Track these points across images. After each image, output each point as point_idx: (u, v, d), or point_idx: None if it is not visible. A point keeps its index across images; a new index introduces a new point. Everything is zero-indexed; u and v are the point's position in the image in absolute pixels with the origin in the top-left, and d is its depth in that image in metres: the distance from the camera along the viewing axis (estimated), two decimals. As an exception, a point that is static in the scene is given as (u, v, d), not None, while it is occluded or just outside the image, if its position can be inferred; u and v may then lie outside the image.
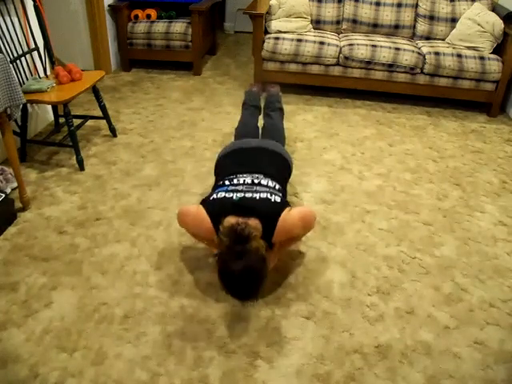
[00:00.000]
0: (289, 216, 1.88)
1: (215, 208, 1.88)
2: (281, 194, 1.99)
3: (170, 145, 3.11)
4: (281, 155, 2.25)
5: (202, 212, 1.88)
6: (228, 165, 2.18)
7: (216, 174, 2.25)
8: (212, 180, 2.58)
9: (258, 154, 2.22)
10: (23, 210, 2.43)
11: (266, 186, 1.97)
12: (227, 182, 2.01)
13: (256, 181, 1.99)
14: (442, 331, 1.82)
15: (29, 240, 2.23)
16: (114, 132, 3.18)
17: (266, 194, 1.91)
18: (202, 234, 1.96)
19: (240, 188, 1.93)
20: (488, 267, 2.16)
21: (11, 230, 2.30)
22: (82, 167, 2.79)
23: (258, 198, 1.88)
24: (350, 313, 1.89)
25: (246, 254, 1.65)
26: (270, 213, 1.85)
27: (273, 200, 1.89)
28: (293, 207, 1.94)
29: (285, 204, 1.93)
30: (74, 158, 2.84)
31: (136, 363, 1.66)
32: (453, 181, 2.82)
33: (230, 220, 1.78)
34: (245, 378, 1.62)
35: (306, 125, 3.44)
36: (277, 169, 2.16)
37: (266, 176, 2.04)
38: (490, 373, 1.66)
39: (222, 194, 1.92)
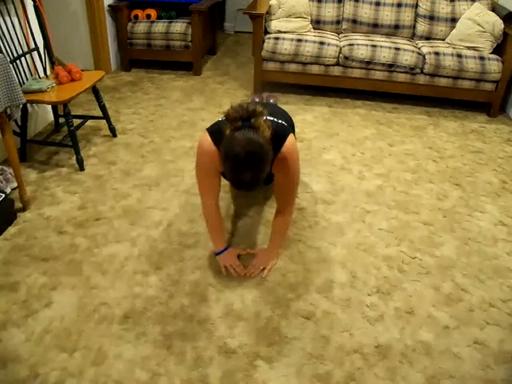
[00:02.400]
0: (294, 140, 1.87)
1: (218, 127, 1.82)
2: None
3: (170, 145, 3.11)
4: (287, 113, 2.24)
5: (204, 136, 1.85)
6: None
7: None
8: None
9: (265, 104, 2.19)
10: (23, 210, 2.43)
11: (272, 116, 1.94)
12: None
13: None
14: (442, 331, 1.82)
15: (29, 240, 2.23)
16: (113, 132, 3.18)
17: (272, 118, 1.89)
18: (205, 160, 1.89)
19: None
20: (488, 267, 2.16)
21: (11, 230, 2.30)
22: (81, 167, 2.79)
23: (265, 118, 1.80)
24: (350, 313, 1.89)
25: (252, 129, 1.61)
26: (277, 130, 1.81)
27: (280, 122, 1.88)
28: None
29: (290, 129, 1.92)
30: (74, 158, 2.84)
31: (136, 363, 1.66)
32: (453, 181, 2.82)
33: None
34: (245, 378, 1.62)
35: (306, 125, 3.44)
36: (283, 118, 2.11)
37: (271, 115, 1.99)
38: (489, 373, 1.66)
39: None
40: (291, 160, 1.88)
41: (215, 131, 1.86)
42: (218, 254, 2.09)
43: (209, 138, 1.87)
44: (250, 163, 1.58)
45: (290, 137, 1.88)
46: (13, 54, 2.65)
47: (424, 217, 2.49)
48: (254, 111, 1.63)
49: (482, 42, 3.61)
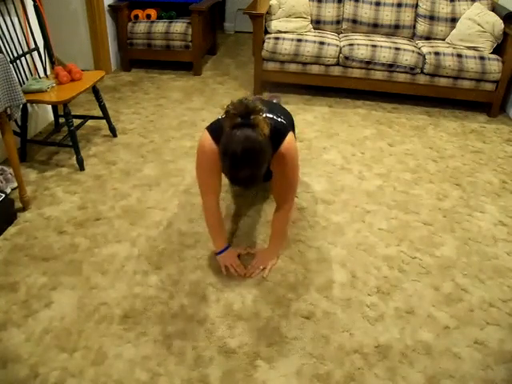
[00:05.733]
0: (293, 138, 1.87)
1: (218, 126, 1.82)
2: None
3: (170, 145, 3.11)
4: (288, 112, 2.25)
5: (204, 134, 1.85)
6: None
7: None
8: (212, 180, 2.58)
9: (266, 101, 2.18)
10: (23, 210, 2.43)
11: (272, 113, 1.94)
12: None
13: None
14: (442, 331, 1.82)
15: (29, 240, 2.23)
16: (113, 132, 3.18)
17: (272, 115, 1.89)
18: (206, 159, 1.88)
19: None
20: (488, 267, 2.16)
21: (11, 230, 2.30)
22: (82, 167, 2.79)
23: (264, 115, 1.81)
24: (350, 313, 1.89)
25: (251, 126, 1.61)
26: (277, 128, 1.81)
27: (279, 120, 1.89)
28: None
29: (290, 126, 1.93)
30: (74, 158, 2.84)
31: (136, 363, 1.66)
32: (453, 181, 2.82)
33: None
34: (245, 378, 1.62)
35: (306, 125, 3.44)
36: (284, 116, 2.12)
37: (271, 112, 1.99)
38: (489, 373, 1.66)
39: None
40: (290, 158, 1.88)
41: (215, 129, 1.86)
42: (218, 253, 2.09)
43: (209, 137, 1.87)
44: (247, 161, 1.60)
45: (290, 135, 1.88)
46: (13, 54, 2.65)
47: (424, 217, 2.49)
48: (253, 108, 1.64)
49: (482, 42, 3.61)
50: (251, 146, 1.59)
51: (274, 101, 3.04)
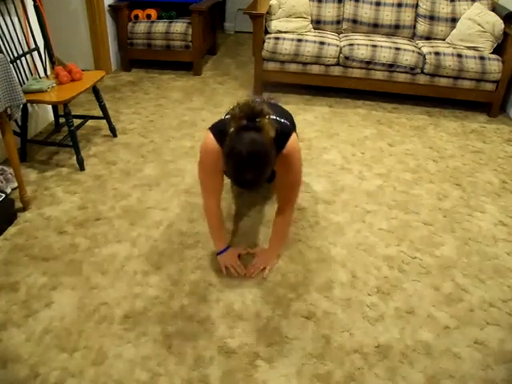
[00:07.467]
0: (297, 139, 1.86)
1: (221, 127, 1.81)
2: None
3: (170, 145, 3.11)
4: (289, 113, 2.27)
5: (207, 135, 1.84)
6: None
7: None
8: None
9: (269, 103, 2.20)
10: (23, 210, 2.43)
11: (275, 115, 1.93)
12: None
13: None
14: (442, 331, 1.82)
15: (29, 240, 2.23)
16: (114, 132, 3.18)
17: (276, 117, 1.88)
18: (209, 160, 1.87)
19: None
20: (488, 267, 2.16)
21: (11, 230, 2.30)
22: (82, 167, 2.79)
23: (270, 117, 1.82)
24: (350, 313, 1.89)
25: (257, 129, 1.61)
26: (281, 129, 1.80)
27: (283, 121, 1.88)
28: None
29: (294, 127, 1.93)
30: (74, 158, 2.84)
31: (136, 363, 1.66)
32: (453, 181, 2.82)
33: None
34: (245, 378, 1.62)
35: (306, 125, 3.44)
36: (286, 118, 2.12)
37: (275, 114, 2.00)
38: (489, 373, 1.66)
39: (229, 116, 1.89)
40: (294, 158, 1.88)
41: (219, 130, 1.84)
42: (218, 254, 2.09)
43: (212, 138, 1.85)
44: (252, 164, 1.59)
45: (293, 136, 1.88)
46: (13, 54, 2.65)
47: (424, 217, 2.48)
48: (260, 111, 1.64)
49: (483, 42, 3.61)
50: (257, 150, 1.59)
51: (272, 102, 3.04)
